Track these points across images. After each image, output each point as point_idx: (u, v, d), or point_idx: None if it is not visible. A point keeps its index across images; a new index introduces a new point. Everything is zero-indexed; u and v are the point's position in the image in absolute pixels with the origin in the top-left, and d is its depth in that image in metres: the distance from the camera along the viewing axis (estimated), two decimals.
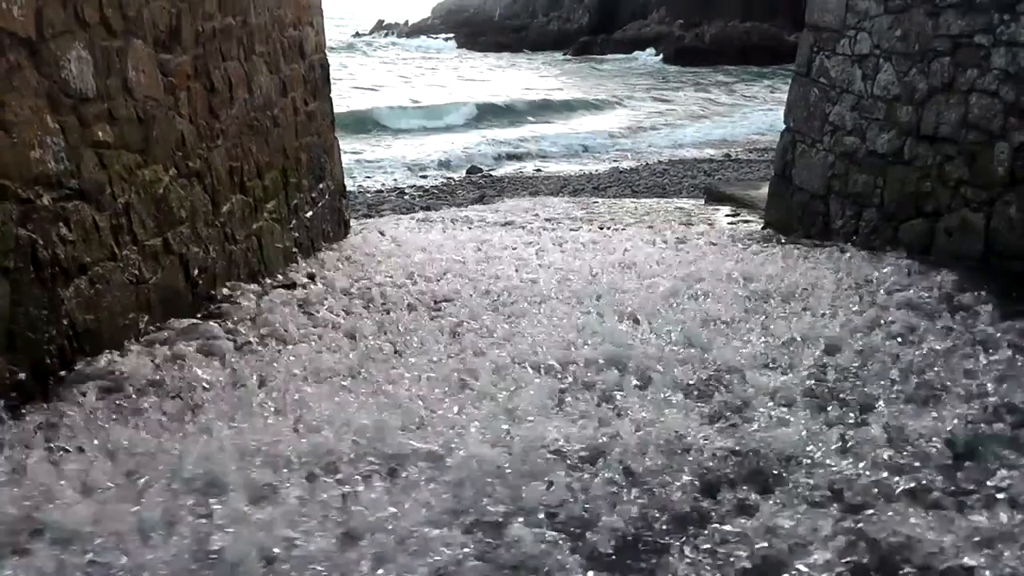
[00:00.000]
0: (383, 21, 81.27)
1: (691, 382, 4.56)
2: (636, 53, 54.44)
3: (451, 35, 68.22)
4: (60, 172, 4.26)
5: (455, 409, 4.14)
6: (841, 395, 4.37)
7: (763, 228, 9.67)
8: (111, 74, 4.75)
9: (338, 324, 5.69)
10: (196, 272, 5.67)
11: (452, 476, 3.44)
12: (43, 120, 4.16)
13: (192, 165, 5.67)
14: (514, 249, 8.51)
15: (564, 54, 56.41)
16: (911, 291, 6.18)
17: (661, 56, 52.52)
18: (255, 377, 4.53)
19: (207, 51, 5.96)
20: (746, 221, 10.78)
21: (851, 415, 4.08)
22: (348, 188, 10.53)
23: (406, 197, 16.37)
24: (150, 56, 5.18)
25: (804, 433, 3.81)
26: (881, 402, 4.24)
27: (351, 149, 21.09)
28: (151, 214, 5.13)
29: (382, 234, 9.54)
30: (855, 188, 8.24)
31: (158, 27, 5.27)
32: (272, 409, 4.12)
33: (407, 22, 79.01)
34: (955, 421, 3.93)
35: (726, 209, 12.02)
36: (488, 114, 29.34)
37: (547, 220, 11.24)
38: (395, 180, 18.67)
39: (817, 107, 8.80)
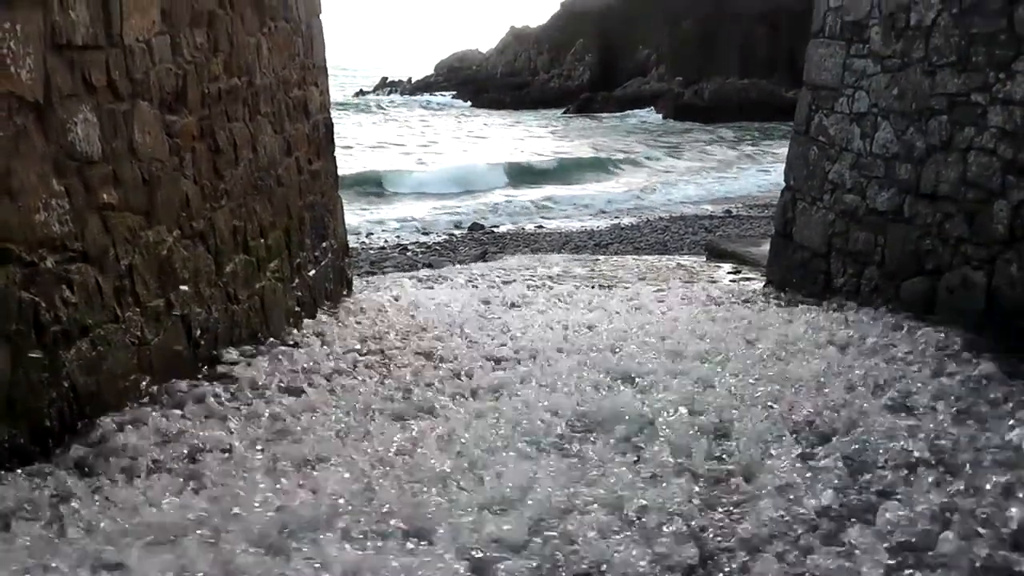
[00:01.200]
0: (387, 78, 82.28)
1: None
2: (635, 110, 55.05)
3: (454, 92, 69.06)
4: (64, 235, 4.28)
5: None
6: None
7: (765, 286, 9.67)
8: (117, 136, 4.79)
9: (334, 387, 5.66)
10: (198, 333, 5.66)
11: None
12: (48, 184, 4.19)
13: (196, 226, 5.70)
14: (516, 308, 8.52)
15: (564, 111, 56.99)
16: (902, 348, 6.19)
17: (661, 114, 53.08)
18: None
19: (213, 112, 6.01)
20: (747, 279, 10.79)
21: None
22: (351, 245, 10.57)
23: (408, 254, 16.43)
24: (156, 118, 5.23)
25: None
26: None
27: (358, 207, 21.20)
28: (154, 275, 5.14)
29: (380, 292, 9.56)
30: (856, 246, 8.26)
31: (164, 89, 5.33)
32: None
33: (410, 79, 79.98)
34: None
35: (728, 266, 12.05)
36: (496, 174, 29.18)
37: (549, 278, 11.23)
38: (398, 237, 18.76)
39: (817, 165, 8.86)
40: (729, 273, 11.52)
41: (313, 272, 8.06)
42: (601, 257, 14.47)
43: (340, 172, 9.62)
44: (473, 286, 10.47)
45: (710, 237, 16.45)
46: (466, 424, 4.87)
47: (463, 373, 6.01)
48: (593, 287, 10.24)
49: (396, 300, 9.07)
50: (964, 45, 7.09)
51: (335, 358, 6.35)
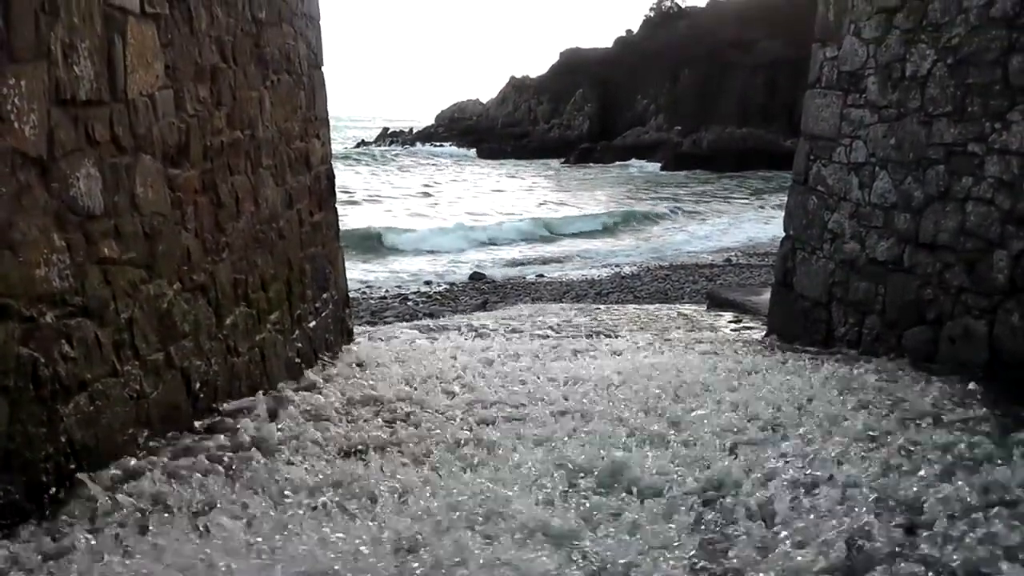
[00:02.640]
0: (388, 129, 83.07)
1: None
2: (634, 160, 55.46)
3: (454, 142, 69.69)
4: (64, 289, 4.27)
5: None
6: None
7: (766, 335, 9.65)
8: (119, 190, 4.79)
9: (333, 441, 5.61)
10: (198, 386, 5.63)
11: None
12: (50, 238, 4.18)
13: (197, 279, 5.69)
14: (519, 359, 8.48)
15: (564, 161, 57.37)
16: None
17: (660, 163, 53.46)
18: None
19: (215, 165, 6.03)
20: (748, 328, 10.77)
21: None
22: (351, 295, 10.56)
23: (409, 303, 16.42)
24: (158, 172, 5.24)
25: None
26: None
27: (360, 260, 21.23)
28: (154, 329, 5.12)
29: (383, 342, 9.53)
30: (856, 295, 8.26)
31: (167, 143, 5.35)
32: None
33: (411, 129, 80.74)
34: None
35: (728, 315, 12.03)
36: (496, 227, 29.09)
37: (551, 328, 11.19)
38: (398, 287, 18.77)
39: (816, 215, 8.89)
40: (730, 322, 11.50)
41: (313, 323, 8.05)
42: (602, 306, 14.45)
43: (341, 225, 9.65)
44: (475, 338, 10.40)
45: (710, 286, 16.47)
46: None
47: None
48: (599, 335, 10.20)
49: (394, 352, 9.02)
50: (960, 96, 7.15)
51: (329, 410, 6.27)
